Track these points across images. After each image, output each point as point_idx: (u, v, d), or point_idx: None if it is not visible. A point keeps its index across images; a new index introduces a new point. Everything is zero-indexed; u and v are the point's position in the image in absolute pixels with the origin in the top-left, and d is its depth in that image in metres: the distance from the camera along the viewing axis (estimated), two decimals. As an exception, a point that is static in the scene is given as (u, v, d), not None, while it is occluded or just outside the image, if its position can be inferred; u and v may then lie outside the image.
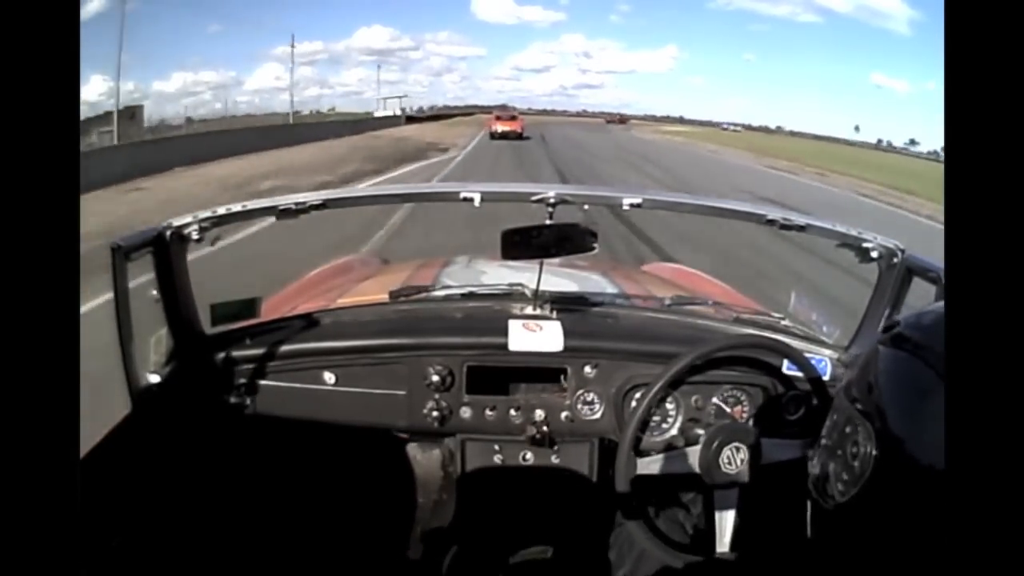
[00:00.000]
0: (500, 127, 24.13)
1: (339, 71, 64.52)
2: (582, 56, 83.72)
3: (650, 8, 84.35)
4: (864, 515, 0.60)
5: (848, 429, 0.65)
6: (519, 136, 23.76)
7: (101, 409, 0.94)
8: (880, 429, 0.59)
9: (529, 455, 1.34)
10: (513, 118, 25.66)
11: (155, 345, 1.10)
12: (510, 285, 1.36)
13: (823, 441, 0.72)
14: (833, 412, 0.72)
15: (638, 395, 1.20)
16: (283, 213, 1.16)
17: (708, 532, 1.20)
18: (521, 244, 1.13)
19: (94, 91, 16.81)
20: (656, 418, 1.25)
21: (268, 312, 1.39)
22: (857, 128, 62.31)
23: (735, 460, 1.10)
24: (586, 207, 1.21)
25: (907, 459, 0.55)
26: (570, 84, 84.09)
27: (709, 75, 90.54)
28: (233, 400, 1.23)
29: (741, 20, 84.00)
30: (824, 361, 1.24)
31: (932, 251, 1.01)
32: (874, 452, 0.58)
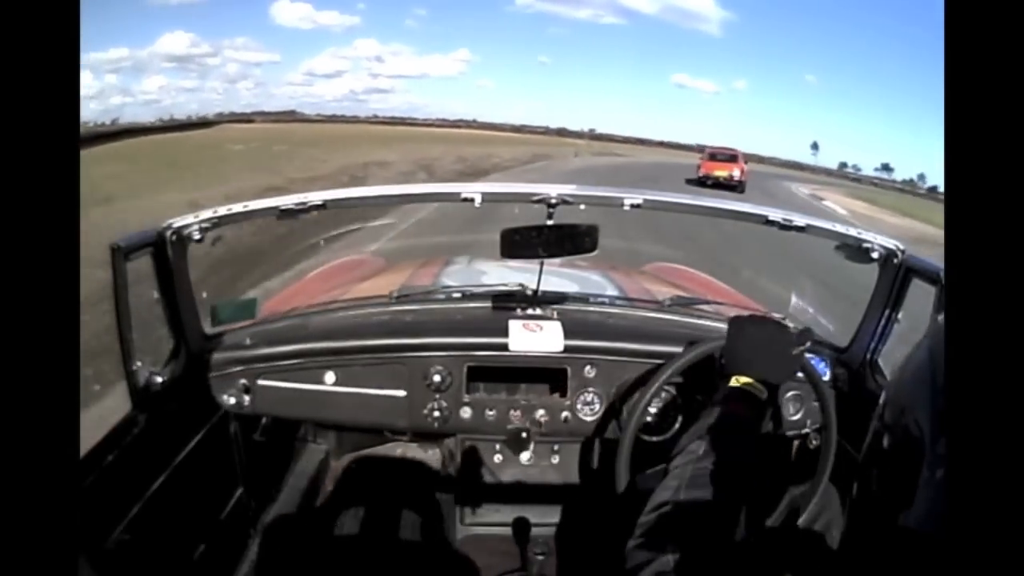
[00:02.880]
0: (714, 171, 17.11)
1: (141, 78, 60.85)
2: (374, 61, 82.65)
3: (446, 12, 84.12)
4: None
5: (879, 413, 0.65)
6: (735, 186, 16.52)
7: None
8: (902, 408, 0.59)
9: (529, 455, 1.34)
10: (733, 158, 18.26)
11: (155, 345, 1.10)
12: (510, 285, 1.36)
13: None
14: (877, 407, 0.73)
15: (638, 395, 1.20)
16: (284, 213, 1.16)
17: None
18: (521, 243, 1.13)
19: None
20: (656, 418, 1.24)
21: (268, 312, 1.39)
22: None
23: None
24: (582, 207, 1.21)
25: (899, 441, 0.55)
26: (360, 89, 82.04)
27: (500, 78, 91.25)
28: (233, 400, 1.23)
29: (540, 23, 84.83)
30: (824, 361, 1.24)
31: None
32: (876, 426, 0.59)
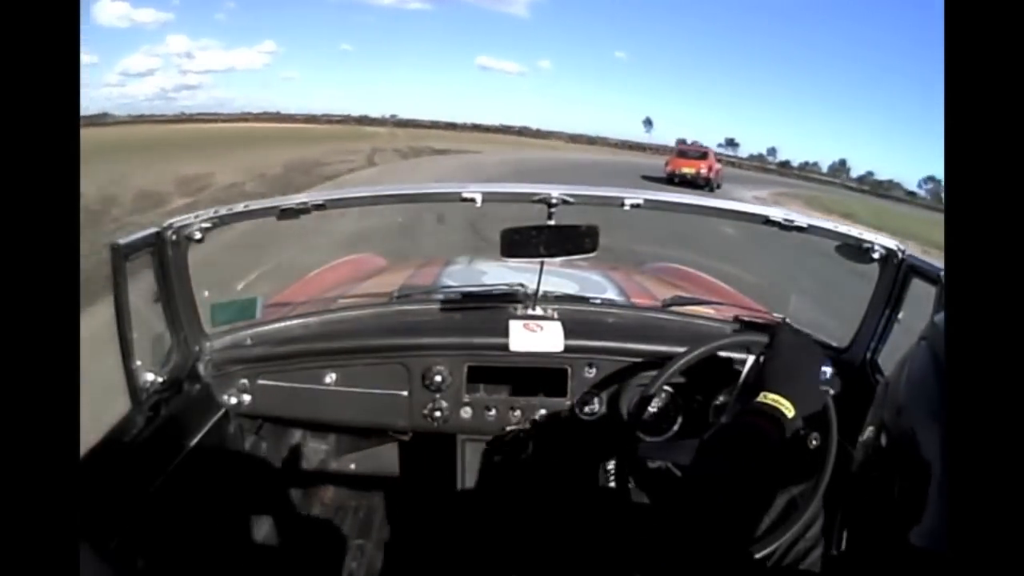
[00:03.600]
0: (681, 168, 16.58)
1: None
2: (184, 57, 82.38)
3: (254, 3, 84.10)
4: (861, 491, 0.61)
5: (876, 411, 0.65)
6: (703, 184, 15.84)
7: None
8: (890, 415, 0.59)
9: (529, 455, 1.34)
10: (702, 155, 17.75)
11: (155, 345, 1.10)
12: (510, 285, 1.36)
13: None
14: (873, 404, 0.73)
15: (638, 395, 1.20)
16: (284, 213, 1.16)
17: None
18: (520, 243, 1.13)
19: None
20: (656, 418, 1.24)
21: (268, 312, 1.39)
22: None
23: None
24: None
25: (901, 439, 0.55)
26: (171, 86, 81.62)
27: (305, 68, 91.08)
28: (233, 400, 1.23)
29: (345, 11, 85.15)
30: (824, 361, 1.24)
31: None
32: (874, 429, 0.59)
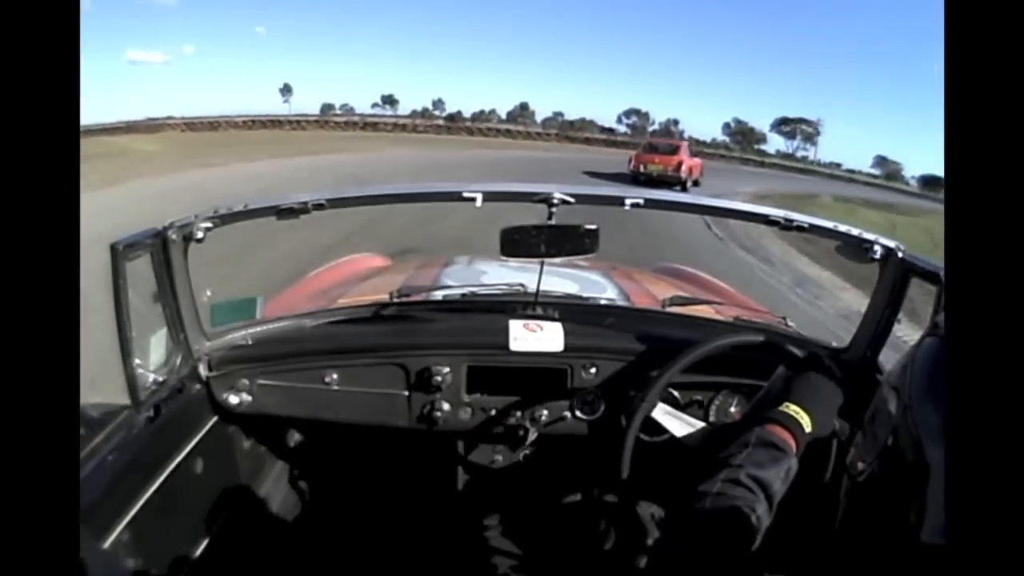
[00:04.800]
0: (648, 165, 14.55)
1: None
2: None
3: None
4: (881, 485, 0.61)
5: (880, 408, 0.65)
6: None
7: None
8: (906, 406, 0.59)
9: (529, 455, 1.34)
10: (674, 149, 15.47)
11: (155, 345, 1.10)
12: (511, 285, 1.36)
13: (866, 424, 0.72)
14: (874, 400, 0.73)
15: (638, 395, 1.20)
16: (284, 213, 1.16)
17: None
18: (520, 243, 1.12)
19: None
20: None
21: (268, 312, 1.39)
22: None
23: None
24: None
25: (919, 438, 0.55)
26: None
27: None
28: (233, 400, 1.23)
29: None
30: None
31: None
32: (895, 424, 0.59)
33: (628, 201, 1.20)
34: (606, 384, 1.26)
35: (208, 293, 1.19)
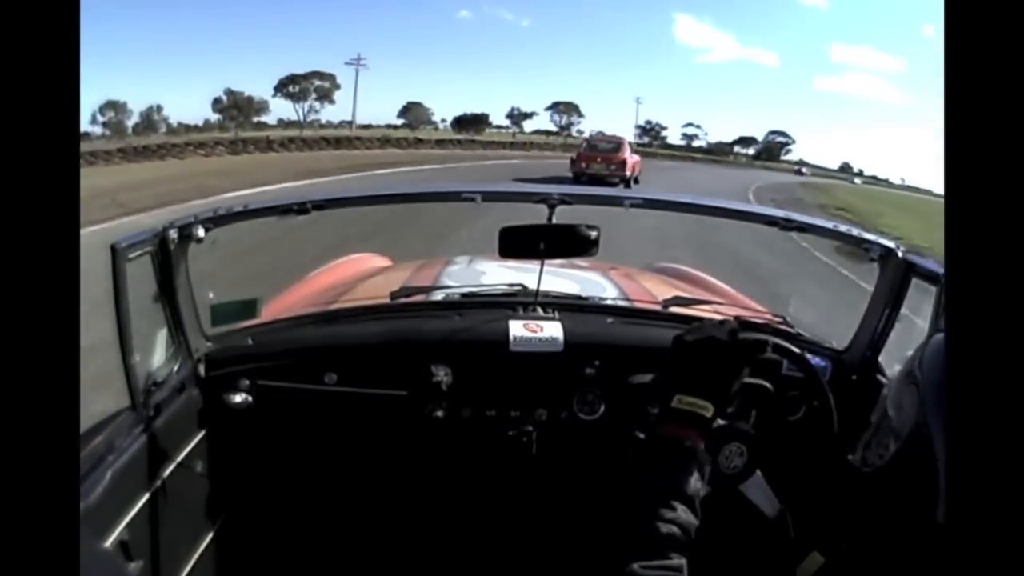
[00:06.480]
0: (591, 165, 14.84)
1: None
2: None
3: None
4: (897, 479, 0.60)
5: (893, 402, 0.65)
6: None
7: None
8: (920, 399, 0.59)
9: (529, 456, 1.34)
10: (615, 147, 15.75)
11: (155, 345, 1.10)
12: (511, 285, 1.36)
13: (872, 419, 0.71)
14: (885, 394, 0.72)
15: (638, 395, 1.20)
16: (284, 213, 1.16)
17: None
18: (519, 243, 1.12)
19: None
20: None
21: (269, 312, 1.39)
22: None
23: (735, 460, 1.10)
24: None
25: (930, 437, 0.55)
26: None
27: None
28: (233, 400, 1.23)
29: None
30: (824, 362, 1.24)
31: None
32: (914, 420, 0.59)
33: (628, 201, 1.20)
34: (606, 384, 1.26)
35: (210, 295, 1.19)
